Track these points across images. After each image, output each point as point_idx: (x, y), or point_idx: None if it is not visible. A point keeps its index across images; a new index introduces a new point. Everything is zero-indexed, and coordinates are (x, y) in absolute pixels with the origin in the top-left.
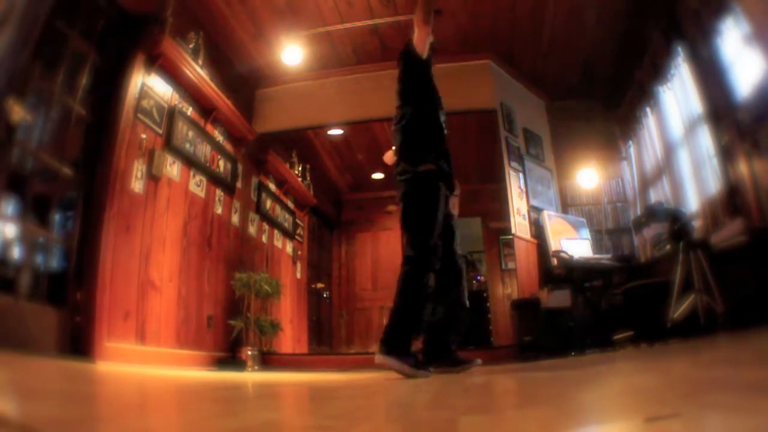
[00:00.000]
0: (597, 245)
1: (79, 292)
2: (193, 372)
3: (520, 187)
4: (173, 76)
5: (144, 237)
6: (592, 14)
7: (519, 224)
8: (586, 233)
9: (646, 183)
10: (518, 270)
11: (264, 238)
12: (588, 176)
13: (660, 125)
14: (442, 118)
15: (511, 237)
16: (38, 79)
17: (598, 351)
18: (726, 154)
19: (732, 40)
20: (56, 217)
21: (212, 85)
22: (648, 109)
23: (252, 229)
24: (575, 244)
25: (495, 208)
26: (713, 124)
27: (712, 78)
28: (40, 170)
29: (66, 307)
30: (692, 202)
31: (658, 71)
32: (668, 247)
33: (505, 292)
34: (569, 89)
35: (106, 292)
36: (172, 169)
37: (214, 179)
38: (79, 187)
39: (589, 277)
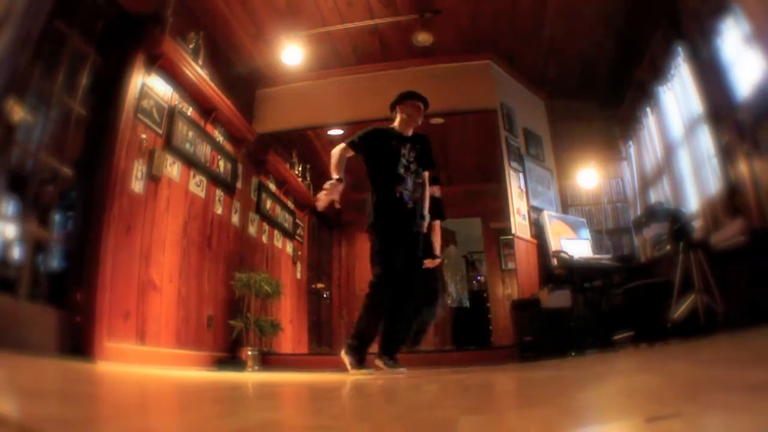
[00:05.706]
0: (597, 245)
1: (79, 292)
2: (193, 372)
3: (520, 187)
4: (173, 76)
5: (144, 237)
6: (592, 14)
7: (519, 224)
8: (586, 233)
9: (646, 183)
10: (518, 270)
11: (264, 239)
12: (588, 176)
13: (660, 125)
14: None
15: (511, 237)
16: (38, 79)
17: (598, 351)
18: (726, 154)
19: (732, 40)
20: (56, 217)
21: (212, 85)
22: (648, 109)
23: (252, 229)
24: (575, 244)
25: (495, 208)
26: (713, 124)
27: (712, 78)
28: (40, 170)
29: (66, 307)
30: (692, 202)
31: (658, 71)
32: (668, 247)
33: (505, 292)
34: (569, 89)
35: (106, 292)
36: (172, 169)
37: (214, 179)
38: (79, 187)
39: (589, 277)
